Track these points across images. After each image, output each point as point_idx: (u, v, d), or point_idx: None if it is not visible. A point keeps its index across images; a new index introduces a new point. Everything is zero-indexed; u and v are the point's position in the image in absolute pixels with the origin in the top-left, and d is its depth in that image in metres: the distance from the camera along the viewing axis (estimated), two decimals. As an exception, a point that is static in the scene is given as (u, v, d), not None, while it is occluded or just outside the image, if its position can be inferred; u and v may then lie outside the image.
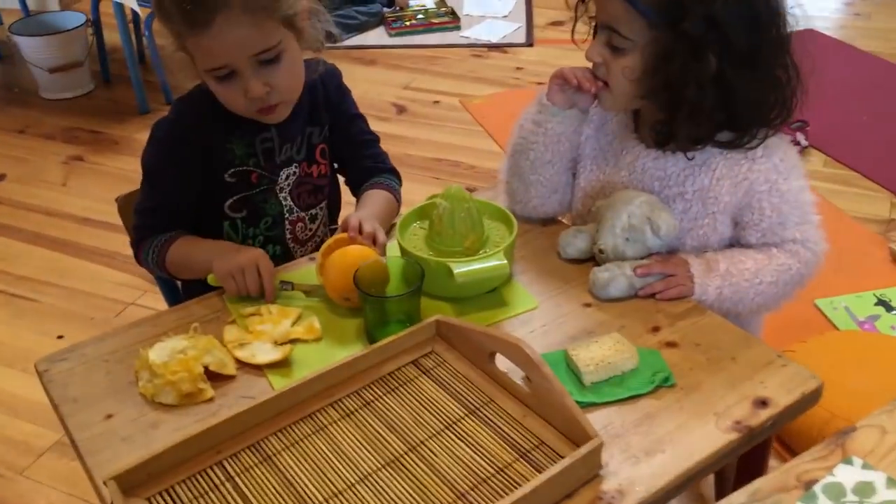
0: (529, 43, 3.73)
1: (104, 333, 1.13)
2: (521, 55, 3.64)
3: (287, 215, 1.34)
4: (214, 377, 1.04)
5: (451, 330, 1.04)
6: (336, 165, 1.44)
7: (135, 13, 3.29)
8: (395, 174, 1.44)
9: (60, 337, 2.15)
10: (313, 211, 1.38)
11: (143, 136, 1.28)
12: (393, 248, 1.24)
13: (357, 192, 1.41)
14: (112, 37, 3.40)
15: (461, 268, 1.10)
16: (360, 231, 1.19)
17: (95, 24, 3.34)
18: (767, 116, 1.15)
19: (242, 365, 1.06)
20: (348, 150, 1.41)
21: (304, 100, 1.28)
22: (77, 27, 3.28)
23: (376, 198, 1.35)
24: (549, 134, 1.25)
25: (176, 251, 1.26)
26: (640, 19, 1.10)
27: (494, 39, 3.76)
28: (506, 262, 1.11)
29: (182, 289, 1.46)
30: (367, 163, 1.42)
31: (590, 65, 1.20)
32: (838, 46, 3.50)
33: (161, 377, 1.00)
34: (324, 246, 1.18)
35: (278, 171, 1.31)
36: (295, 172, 1.33)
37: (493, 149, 2.93)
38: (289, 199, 1.33)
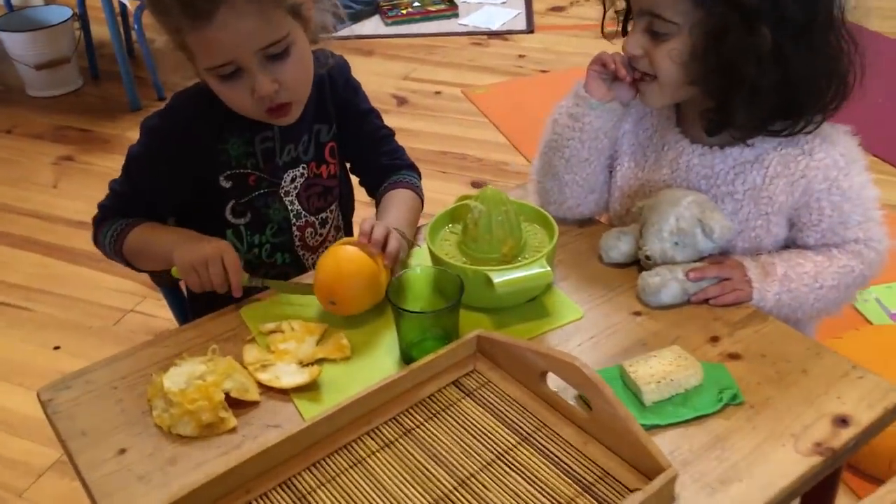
0: (530, 30, 3.63)
1: (111, 357, 1.03)
2: (523, 42, 3.54)
3: (294, 220, 1.24)
4: (236, 404, 0.94)
5: (495, 346, 0.95)
6: (348, 165, 1.35)
7: (122, 5, 3.17)
8: (414, 169, 1.35)
9: (57, 348, 2.05)
10: (324, 215, 1.28)
11: (135, 135, 1.20)
12: (422, 255, 1.14)
13: (375, 193, 1.32)
14: (99, 31, 3.28)
15: (501, 276, 1.00)
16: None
17: (82, 17, 3.23)
18: (825, 96, 1.05)
19: (266, 389, 0.97)
20: (362, 148, 1.31)
21: (310, 95, 1.18)
22: (63, 22, 3.16)
23: (399, 199, 1.25)
24: (587, 129, 1.16)
25: (135, 237, 1.17)
26: (685, 0, 1.01)
27: (494, 27, 3.66)
28: (549, 269, 1.02)
29: (188, 295, 1.36)
30: (383, 161, 1.32)
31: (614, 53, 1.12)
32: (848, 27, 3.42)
33: (178, 406, 0.91)
34: (332, 245, 1.10)
35: (280, 174, 1.21)
36: (303, 174, 1.23)
37: (500, 140, 2.84)
38: (296, 203, 1.24)
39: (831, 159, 1.07)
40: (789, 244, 1.14)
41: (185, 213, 1.22)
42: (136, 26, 3.02)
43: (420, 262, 1.14)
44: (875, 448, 1.48)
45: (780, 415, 0.90)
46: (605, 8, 1.17)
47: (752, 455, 0.85)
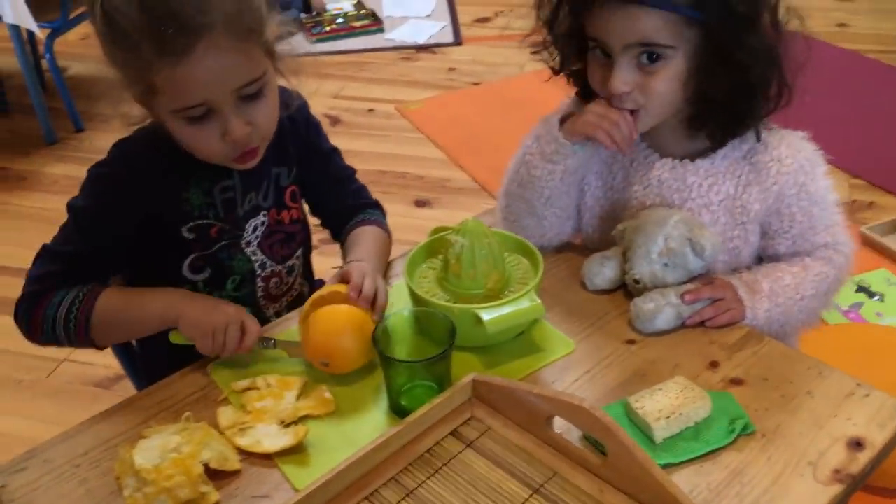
0: (458, 42, 3.60)
1: (68, 431, 0.93)
2: (452, 55, 3.51)
3: (259, 271, 1.14)
4: (215, 474, 0.86)
5: (493, 391, 0.89)
6: (306, 207, 1.26)
7: (31, 34, 3.00)
8: (379, 208, 1.27)
9: (-14, 408, 1.90)
10: (290, 262, 1.18)
11: (53, 170, 1.08)
12: (396, 293, 1.08)
13: (339, 235, 1.23)
14: (6, 62, 3.10)
15: (491, 314, 0.95)
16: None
17: (-14, 48, 3.04)
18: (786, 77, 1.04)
19: (247, 455, 0.89)
20: (327, 190, 1.22)
21: None
22: (-33, 53, 2.97)
23: (368, 236, 1.17)
24: (569, 171, 1.10)
25: (108, 304, 1.01)
26: (678, 21, 0.98)
27: (421, 40, 3.61)
28: (539, 302, 0.97)
29: (138, 345, 1.25)
30: (348, 202, 1.24)
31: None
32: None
33: (153, 484, 0.82)
34: (314, 296, 1.02)
35: (243, 224, 1.11)
36: (264, 222, 1.13)
37: (439, 156, 2.79)
38: (259, 252, 1.13)
39: (798, 164, 1.07)
40: (760, 252, 1.13)
41: (134, 271, 1.10)
42: (47, 55, 2.85)
43: (393, 301, 1.07)
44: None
45: (794, 442, 0.87)
46: (561, 51, 1.10)
47: (773, 488, 0.82)
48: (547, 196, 1.12)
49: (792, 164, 1.07)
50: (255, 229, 1.12)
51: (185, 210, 1.06)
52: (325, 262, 1.41)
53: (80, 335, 1.02)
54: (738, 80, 1.00)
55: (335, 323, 0.97)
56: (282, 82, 1.06)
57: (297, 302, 1.19)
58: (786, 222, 1.09)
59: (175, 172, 1.04)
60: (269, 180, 1.13)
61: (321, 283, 1.22)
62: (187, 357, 1.03)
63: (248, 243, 1.12)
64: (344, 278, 1.03)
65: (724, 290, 1.04)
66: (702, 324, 1.02)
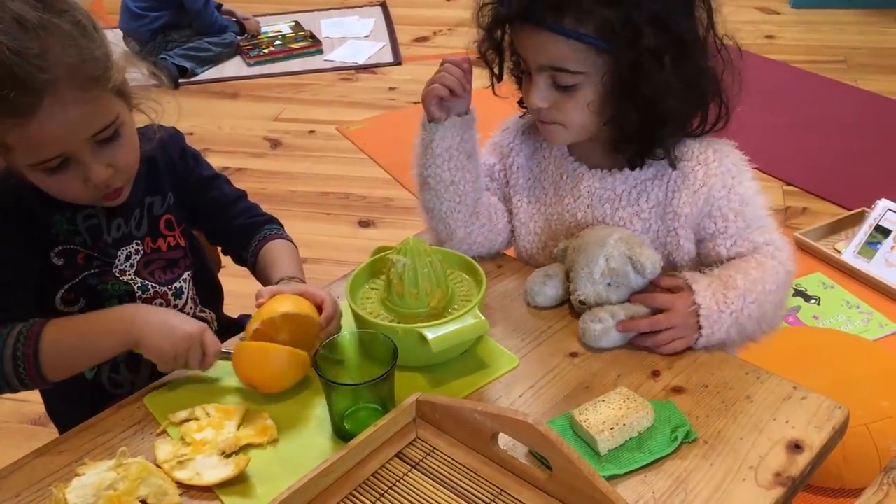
0: (398, 62, 3.61)
1: (-1, 472, 0.90)
2: (392, 75, 3.52)
3: (140, 293, 1.11)
4: (154, 510, 0.84)
5: (437, 410, 0.88)
6: (211, 238, 1.26)
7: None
8: (276, 222, 1.25)
9: (-86, 449, 1.82)
10: (177, 284, 1.15)
11: None
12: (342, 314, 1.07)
13: (242, 255, 1.21)
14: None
15: (435, 332, 0.94)
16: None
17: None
18: (709, 106, 1.07)
19: (187, 488, 0.87)
20: (215, 216, 1.21)
21: (140, 168, 1.06)
22: None
23: (282, 250, 1.17)
24: (438, 152, 1.11)
25: (56, 335, 0.97)
26: (587, 50, 1.00)
27: (361, 61, 3.61)
28: (483, 318, 0.97)
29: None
30: (238, 222, 1.22)
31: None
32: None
33: (88, 524, 0.80)
34: (267, 308, 0.99)
35: (113, 252, 1.08)
36: (138, 251, 1.11)
37: (382, 175, 2.78)
38: (137, 280, 1.11)
39: (724, 167, 1.09)
40: (703, 260, 1.14)
41: None
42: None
43: (354, 330, 1.06)
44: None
45: (735, 447, 0.88)
46: (490, 68, 1.13)
47: (717, 495, 0.83)
48: (434, 186, 1.13)
49: (718, 168, 1.08)
50: (128, 257, 1.10)
51: (53, 234, 1.04)
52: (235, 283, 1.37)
53: (30, 373, 0.97)
54: (646, 111, 1.02)
55: (269, 358, 0.96)
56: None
57: None
58: (720, 223, 1.09)
59: (40, 203, 1.02)
60: (140, 209, 1.11)
61: (246, 317, 1.17)
62: (108, 393, 1.00)
63: (123, 272, 1.09)
64: (305, 295, 1.01)
65: (674, 318, 1.02)
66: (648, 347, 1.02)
